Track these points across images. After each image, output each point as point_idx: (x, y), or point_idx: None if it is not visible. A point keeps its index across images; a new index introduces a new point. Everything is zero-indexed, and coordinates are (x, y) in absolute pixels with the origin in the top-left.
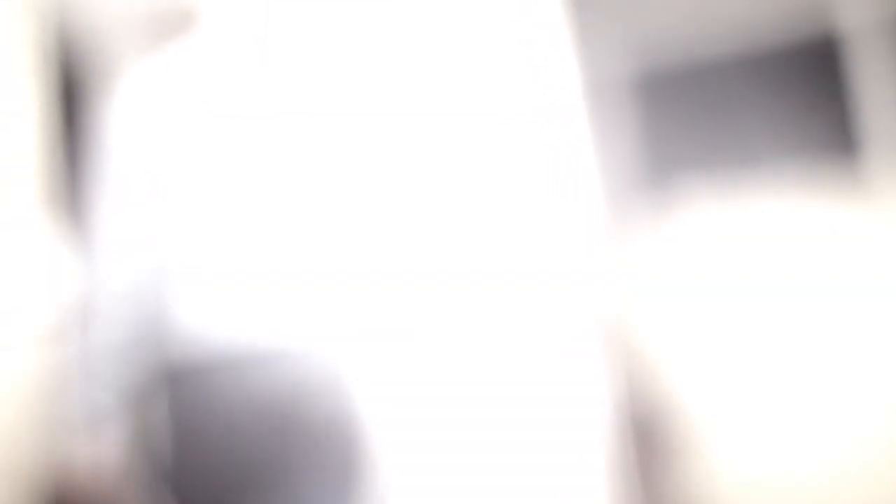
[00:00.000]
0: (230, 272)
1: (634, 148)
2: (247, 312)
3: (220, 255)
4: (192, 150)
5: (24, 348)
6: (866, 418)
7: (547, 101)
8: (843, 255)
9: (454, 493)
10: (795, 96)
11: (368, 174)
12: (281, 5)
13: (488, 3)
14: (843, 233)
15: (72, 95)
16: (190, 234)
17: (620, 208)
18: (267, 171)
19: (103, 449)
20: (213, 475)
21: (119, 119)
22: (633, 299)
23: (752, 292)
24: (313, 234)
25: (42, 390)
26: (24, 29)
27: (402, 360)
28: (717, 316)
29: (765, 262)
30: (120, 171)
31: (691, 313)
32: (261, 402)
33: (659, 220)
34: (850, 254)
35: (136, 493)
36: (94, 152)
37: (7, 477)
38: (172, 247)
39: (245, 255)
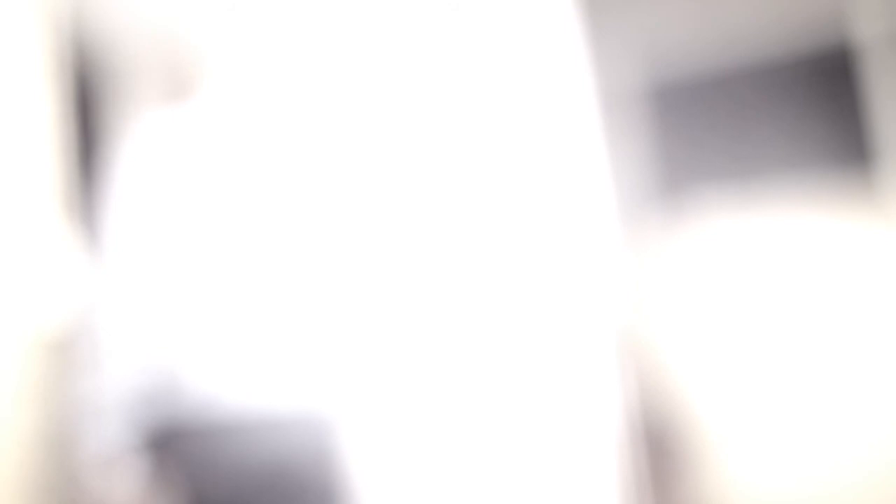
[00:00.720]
0: (235, 341)
1: (648, 158)
2: (247, 379)
3: (225, 324)
4: (193, 210)
5: (34, 353)
6: (880, 429)
7: (561, 111)
8: (857, 266)
9: (466, 499)
10: (809, 107)
11: (373, 225)
12: (283, 63)
13: (503, 14)
14: (857, 244)
15: (87, 105)
16: (197, 305)
17: (634, 218)
18: (273, 232)
19: (118, 485)
20: None
21: (131, 168)
22: (646, 309)
23: (766, 302)
24: (316, 299)
25: (51, 396)
26: (41, 40)
27: (407, 387)
28: (730, 325)
29: (778, 273)
30: (130, 222)
31: (704, 323)
32: (259, 462)
33: (672, 229)
34: (863, 264)
35: None
36: (107, 190)
37: (11, 486)
38: (181, 317)
39: (247, 326)
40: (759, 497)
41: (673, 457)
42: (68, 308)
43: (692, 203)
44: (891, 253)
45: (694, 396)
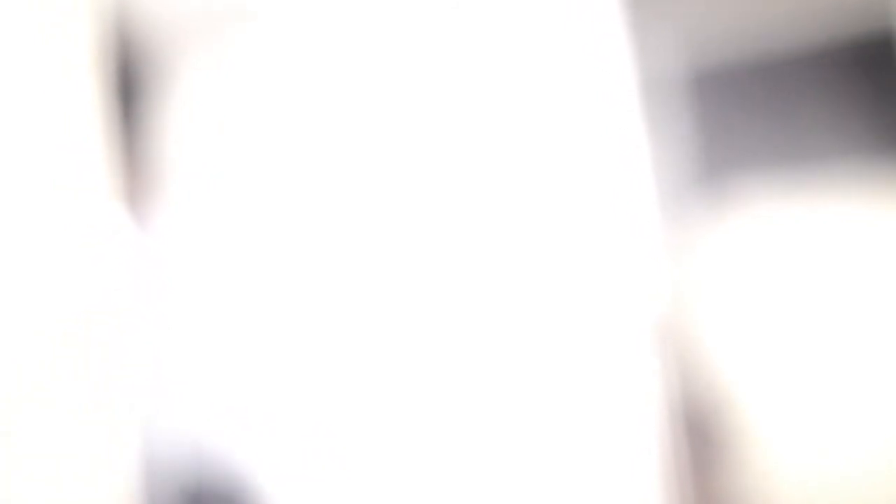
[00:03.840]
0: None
1: (689, 146)
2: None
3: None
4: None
5: (88, 339)
6: None
7: (601, 97)
8: None
9: (505, 495)
10: (851, 95)
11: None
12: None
13: (543, 1)
14: None
15: (129, 92)
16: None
17: (675, 206)
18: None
19: None
20: None
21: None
22: (687, 297)
23: (807, 290)
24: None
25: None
26: (82, 25)
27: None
28: (771, 314)
29: (819, 261)
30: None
31: (745, 311)
32: None
33: (713, 217)
34: None
35: None
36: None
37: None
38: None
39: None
40: (800, 485)
41: (714, 446)
42: (117, 288)
43: (732, 191)
44: None
45: (735, 386)
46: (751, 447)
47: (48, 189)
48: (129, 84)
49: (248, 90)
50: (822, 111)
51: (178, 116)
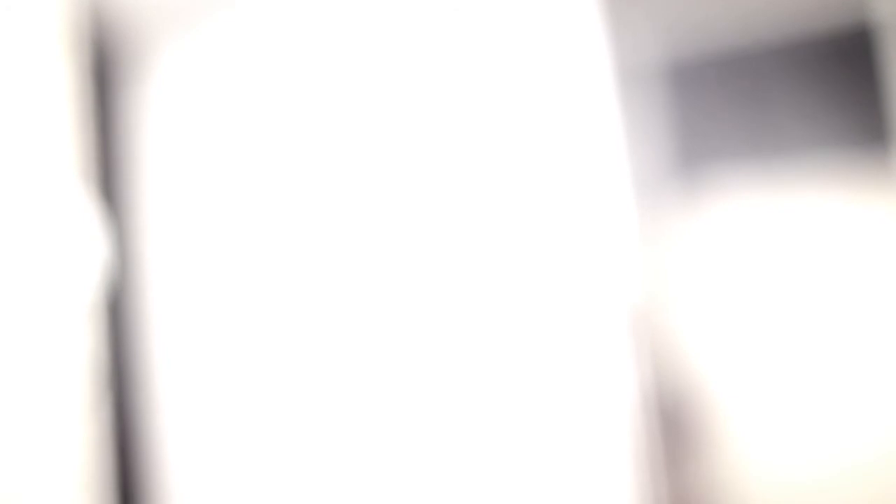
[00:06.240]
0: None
1: (666, 136)
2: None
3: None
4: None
5: (62, 327)
6: None
7: (578, 86)
8: (875, 247)
9: (479, 486)
10: (829, 86)
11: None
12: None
13: None
14: (876, 225)
15: (104, 74)
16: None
17: (651, 196)
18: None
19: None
20: None
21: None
22: (661, 289)
23: (782, 282)
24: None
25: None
26: (58, 8)
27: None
28: (746, 305)
29: (795, 253)
30: None
31: (720, 303)
32: None
33: (689, 209)
34: (882, 246)
35: None
36: (126, 160)
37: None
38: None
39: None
40: (773, 477)
41: (687, 438)
42: (91, 276)
43: (708, 181)
44: None
45: (709, 378)
46: (724, 438)
47: (20, 176)
48: (105, 71)
49: (225, 77)
50: (799, 102)
51: (154, 103)
